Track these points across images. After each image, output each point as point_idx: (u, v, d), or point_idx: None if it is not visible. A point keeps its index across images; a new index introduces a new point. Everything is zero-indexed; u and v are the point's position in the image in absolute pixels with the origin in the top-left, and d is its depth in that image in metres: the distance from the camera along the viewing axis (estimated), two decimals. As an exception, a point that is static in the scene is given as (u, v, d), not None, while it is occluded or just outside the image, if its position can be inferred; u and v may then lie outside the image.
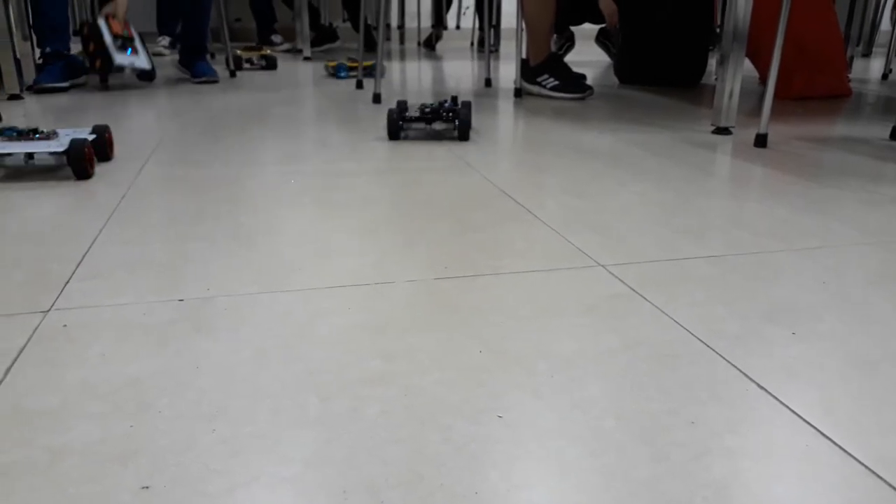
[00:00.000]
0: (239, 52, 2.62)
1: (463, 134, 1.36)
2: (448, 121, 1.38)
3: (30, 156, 1.09)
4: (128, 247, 0.77)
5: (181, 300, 0.64)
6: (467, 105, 1.39)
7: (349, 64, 2.43)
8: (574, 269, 0.72)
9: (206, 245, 0.78)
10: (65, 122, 1.53)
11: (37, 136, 1.10)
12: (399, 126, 1.36)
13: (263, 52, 2.65)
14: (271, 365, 0.53)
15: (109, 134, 1.16)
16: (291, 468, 0.41)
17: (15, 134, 1.09)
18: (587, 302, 0.65)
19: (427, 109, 1.39)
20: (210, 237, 0.81)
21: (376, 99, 1.87)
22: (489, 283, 0.69)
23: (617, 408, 0.48)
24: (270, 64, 2.61)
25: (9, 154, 1.07)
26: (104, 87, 2.13)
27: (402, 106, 1.40)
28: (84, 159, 1.04)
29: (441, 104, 1.40)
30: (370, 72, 2.34)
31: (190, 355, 0.54)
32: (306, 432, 0.45)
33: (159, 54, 3.16)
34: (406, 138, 1.38)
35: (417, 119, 1.37)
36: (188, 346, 0.56)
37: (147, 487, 0.40)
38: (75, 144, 1.03)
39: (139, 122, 1.55)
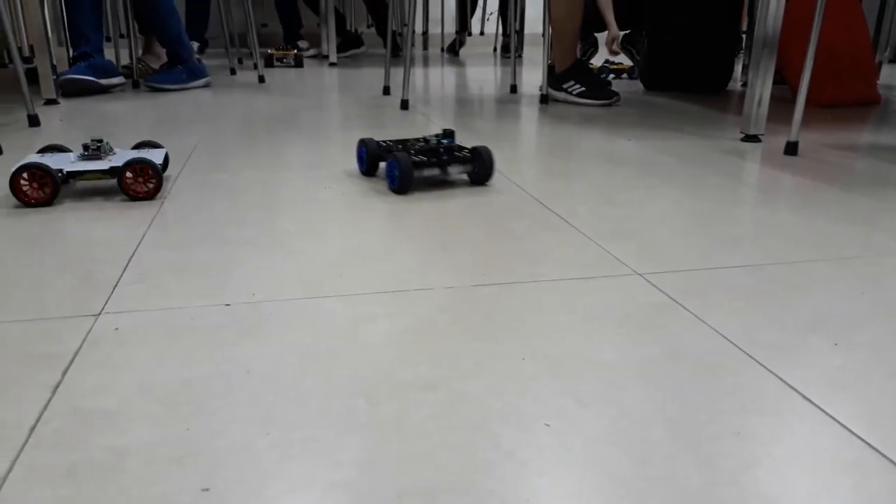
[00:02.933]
0: (271, 51, 3.08)
1: (484, 175, 1.09)
2: (465, 162, 1.09)
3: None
4: (172, 251, 0.79)
5: (228, 305, 0.65)
6: (487, 152, 1.08)
7: (612, 67, 2.65)
8: (611, 278, 0.73)
9: (248, 250, 0.80)
10: (98, 129, 1.56)
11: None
12: (412, 176, 1.03)
13: (292, 53, 3.08)
14: (319, 369, 0.54)
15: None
16: (346, 472, 0.42)
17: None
18: (626, 310, 0.65)
19: (424, 145, 1.10)
20: (252, 242, 0.82)
21: (404, 105, 1.88)
22: (527, 290, 0.70)
23: (662, 417, 0.48)
24: (298, 63, 3.09)
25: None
26: (135, 86, 2.23)
27: (402, 148, 1.10)
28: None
29: (440, 141, 1.11)
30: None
31: (239, 359, 0.55)
32: (357, 436, 0.46)
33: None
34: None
35: (430, 165, 1.07)
36: (237, 351, 0.57)
37: (207, 490, 0.41)
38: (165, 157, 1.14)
39: (173, 128, 1.57)
